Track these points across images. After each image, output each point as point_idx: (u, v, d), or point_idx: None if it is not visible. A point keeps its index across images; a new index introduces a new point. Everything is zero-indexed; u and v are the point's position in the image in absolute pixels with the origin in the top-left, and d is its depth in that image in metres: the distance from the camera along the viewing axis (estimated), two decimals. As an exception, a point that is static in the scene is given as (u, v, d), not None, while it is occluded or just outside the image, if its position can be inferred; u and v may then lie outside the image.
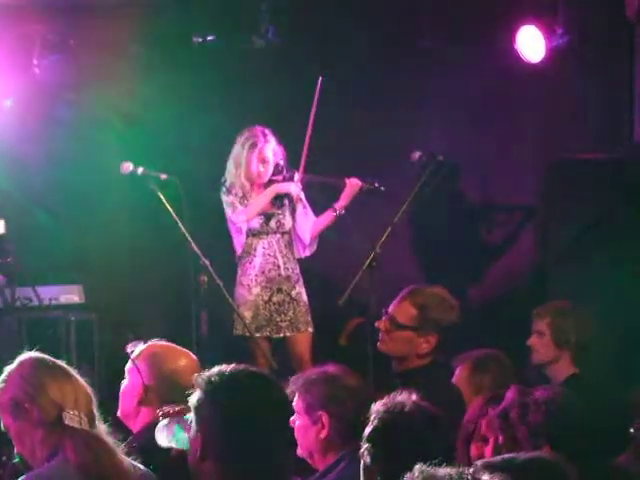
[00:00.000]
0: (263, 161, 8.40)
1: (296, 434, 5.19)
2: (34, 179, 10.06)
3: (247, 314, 8.48)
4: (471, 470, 2.80)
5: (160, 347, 5.48)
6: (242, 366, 4.08)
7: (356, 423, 4.67)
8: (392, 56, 9.26)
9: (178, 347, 5.56)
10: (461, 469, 2.86)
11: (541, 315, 6.84)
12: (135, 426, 5.34)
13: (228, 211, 8.48)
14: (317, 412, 5.14)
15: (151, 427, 4.93)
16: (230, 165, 8.54)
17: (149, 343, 5.45)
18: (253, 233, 8.48)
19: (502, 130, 9.16)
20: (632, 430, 6.04)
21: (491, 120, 9.09)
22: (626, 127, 8.69)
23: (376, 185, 8.45)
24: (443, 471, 2.78)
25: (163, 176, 8.48)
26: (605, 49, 8.58)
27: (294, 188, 8.50)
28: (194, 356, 5.60)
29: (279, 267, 8.50)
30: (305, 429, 5.19)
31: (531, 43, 8.16)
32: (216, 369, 4.04)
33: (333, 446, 5.10)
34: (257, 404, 3.91)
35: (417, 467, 2.82)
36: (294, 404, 5.18)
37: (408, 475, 2.86)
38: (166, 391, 5.09)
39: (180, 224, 8.50)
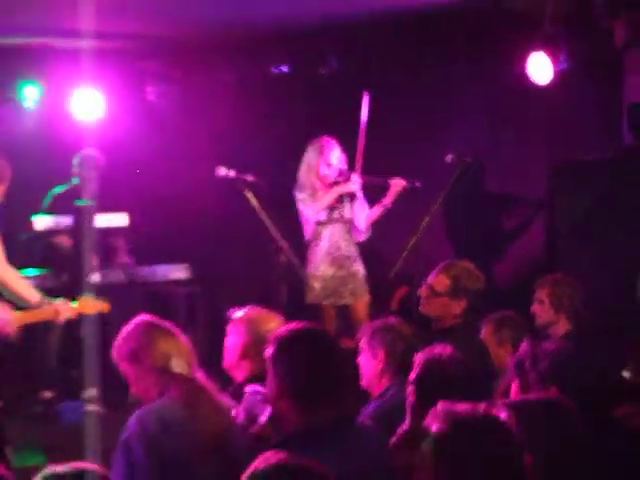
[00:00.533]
0: (329, 165, 8.65)
1: (361, 368, 5.67)
2: (149, 181, 10.27)
3: (316, 286, 8.77)
4: (484, 406, 3.27)
5: (256, 312, 5.79)
6: (305, 324, 4.61)
7: (404, 361, 5.21)
8: (429, 75, 9.51)
9: (269, 312, 5.92)
10: (477, 405, 3.30)
11: (541, 286, 6.88)
12: (238, 376, 5.65)
13: (300, 205, 8.74)
14: (376, 350, 5.55)
15: (251, 378, 5.47)
16: (303, 168, 8.79)
17: (247, 309, 5.80)
18: (320, 223, 8.73)
19: (517, 137, 9.36)
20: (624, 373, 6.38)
21: (508, 129, 9.35)
22: (617, 133, 8.89)
23: (416, 184, 8.66)
24: (462, 406, 3.24)
25: (250, 178, 8.59)
26: (599, 70, 8.77)
27: (352, 187, 8.69)
28: (281, 319, 5.79)
29: (341, 249, 8.79)
30: (367, 363, 5.61)
31: (540, 67, 8.32)
32: (285, 327, 4.63)
33: (386, 377, 5.52)
34: (315, 351, 4.38)
35: (440, 402, 3.31)
36: (361, 345, 5.74)
37: (432, 409, 3.32)
38: (261, 348, 4.97)
39: (264, 218, 8.61)
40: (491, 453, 3.20)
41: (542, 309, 6.77)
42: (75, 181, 9.92)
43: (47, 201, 9.94)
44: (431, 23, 8.64)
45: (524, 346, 5.12)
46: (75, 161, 9.87)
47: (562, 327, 6.73)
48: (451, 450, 3.19)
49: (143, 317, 5.06)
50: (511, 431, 3.25)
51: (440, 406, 3.31)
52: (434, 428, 3.22)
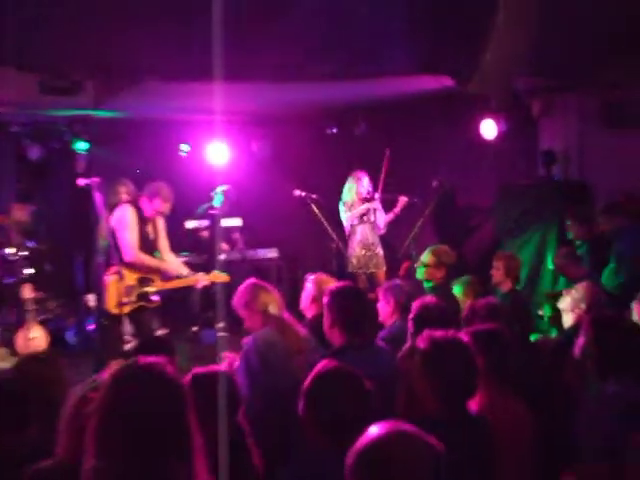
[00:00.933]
0: (362, 188, 8.69)
1: (379, 310, 5.51)
2: (254, 199, 10.26)
3: (354, 261, 8.71)
4: (452, 333, 3.45)
5: (319, 276, 5.89)
6: (346, 284, 4.85)
7: (405, 306, 5.14)
8: (421, 133, 9.44)
9: (327, 276, 5.99)
10: (449, 332, 3.42)
11: (498, 258, 6.70)
12: (309, 314, 5.69)
13: (342, 214, 8.79)
14: (389, 299, 5.49)
15: (316, 316, 5.38)
16: (345, 190, 8.77)
17: (314, 275, 5.92)
18: (355, 224, 8.73)
19: (475, 170, 9.29)
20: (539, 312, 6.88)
21: (470, 165, 9.24)
22: (534, 168, 9.04)
23: (414, 200, 8.71)
24: (439, 333, 3.36)
25: (313, 196, 8.64)
26: (524, 130, 8.93)
27: (376, 203, 8.79)
28: (334, 280, 5.80)
29: (368, 239, 8.71)
30: (383, 307, 5.53)
31: (489, 129, 8.41)
32: (335, 285, 4.79)
33: (394, 316, 5.47)
34: (352, 299, 4.42)
35: (426, 330, 3.44)
36: (380, 296, 5.69)
37: (421, 335, 3.46)
38: (322, 297, 4.92)
39: (323, 220, 8.78)
40: (457, 359, 3.26)
41: (498, 273, 6.59)
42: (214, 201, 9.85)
43: (198, 211, 10.01)
44: (422, 102, 8.61)
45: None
46: (217, 190, 9.78)
47: (507, 285, 6.55)
48: (431, 360, 3.28)
49: (251, 280, 5.12)
50: (469, 347, 3.36)
51: (425, 333, 3.43)
52: (421, 346, 3.35)
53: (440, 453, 2.08)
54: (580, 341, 3.80)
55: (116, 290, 6.70)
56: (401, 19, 4.59)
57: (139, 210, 6.91)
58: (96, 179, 6.79)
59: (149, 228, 7.04)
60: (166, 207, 6.97)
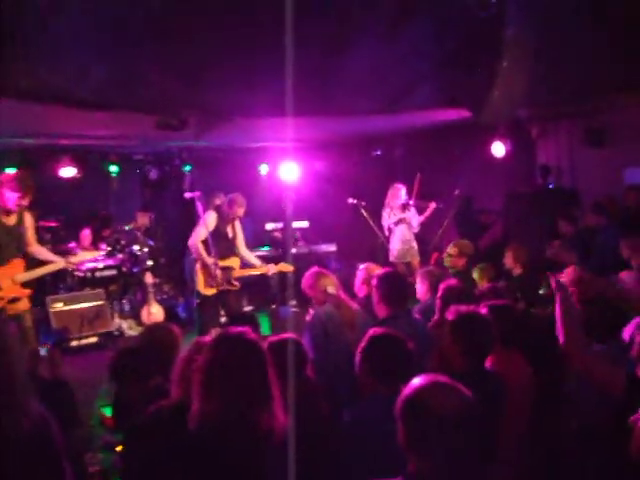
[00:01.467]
0: (400, 198, 8.63)
1: (417, 290, 5.48)
2: (317, 207, 10.26)
3: (394, 253, 8.63)
4: (473, 307, 3.49)
5: (368, 265, 5.59)
6: (389, 270, 4.72)
7: (436, 287, 4.94)
8: (445, 154, 9.30)
9: (374, 265, 5.71)
10: (470, 307, 3.46)
11: (508, 248, 6.64)
12: (360, 294, 5.42)
13: (385, 216, 8.73)
14: (424, 281, 5.38)
15: (367, 295, 5.18)
16: (387, 198, 8.69)
17: (365, 264, 5.67)
18: (394, 223, 8.64)
19: (488, 181, 9.15)
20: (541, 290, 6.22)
21: (483, 177, 9.05)
22: (533, 178, 8.94)
23: (441, 206, 8.65)
24: (463, 307, 3.38)
25: (363, 203, 8.60)
26: (526, 149, 8.79)
27: (411, 209, 8.67)
28: (379, 268, 5.46)
29: (405, 236, 8.62)
30: (419, 287, 5.44)
31: (498, 148, 8.24)
32: (381, 271, 4.68)
33: (427, 294, 5.31)
34: (395, 280, 4.38)
35: (452, 306, 3.47)
36: (417, 279, 5.59)
37: (449, 309, 3.47)
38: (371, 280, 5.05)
39: (370, 221, 8.66)
40: (478, 327, 3.26)
41: (508, 261, 6.51)
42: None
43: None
44: (446, 129, 8.49)
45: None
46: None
47: (517, 270, 6.43)
48: (458, 328, 3.28)
49: (314, 268, 5.08)
50: (487, 318, 3.39)
51: (452, 307, 3.45)
52: (450, 317, 3.36)
53: (471, 400, 2.05)
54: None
55: (205, 275, 6.76)
56: (429, 65, 4.59)
57: (221, 215, 6.92)
58: (198, 193, 6.93)
59: (228, 228, 7.01)
60: (241, 211, 6.92)
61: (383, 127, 8.59)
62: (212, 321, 6.73)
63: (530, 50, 4.14)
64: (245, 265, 7.19)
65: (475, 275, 6.28)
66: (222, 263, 6.85)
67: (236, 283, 7.03)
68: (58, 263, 5.83)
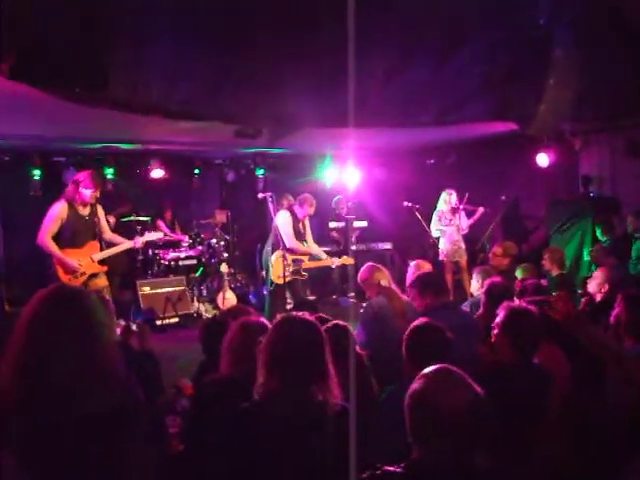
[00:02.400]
0: (451, 202, 8.52)
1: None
2: (375, 208, 9.92)
3: (444, 252, 8.51)
4: (519, 303, 3.45)
5: (419, 262, 5.57)
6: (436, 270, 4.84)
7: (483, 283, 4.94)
8: (494, 164, 9.04)
9: (425, 262, 5.70)
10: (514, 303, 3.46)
11: (545, 251, 6.49)
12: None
13: (435, 219, 8.61)
14: (479, 276, 5.43)
15: None
16: (439, 202, 8.63)
17: (415, 261, 5.63)
18: (444, 226, 8.54)
19: (532, 189, 8.97)
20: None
21: (529, 185, 8.92)
22: (576, 187, 8.65)
23: (488, 210, 8.54)
24: (512, 303, 3.34)
25: (417, 206, 8.46)
26: (569, 159, 8.47)
27: (461, 213, 8.56)
28: (429, 265, 5.67)
29: (454, 237, 8.51)
30: (474, 285, 5.50)
31: (542, 160, 8.10)
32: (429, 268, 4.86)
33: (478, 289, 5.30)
34: (439, 277, 4.53)
35: (505, 302, 3.36)
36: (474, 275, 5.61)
37: (501, 305, 3.34)
38: None
39: (424, 223, 8.51)
40: (528, 322, 3.13)
41: (546, 263, 6.30)
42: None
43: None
44: (495, 140, 8.33)
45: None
46: (334, 199, 9.93)
47: (555, 271, 6.24)
48: (509, 322, 3.16)
49: (370, 263, 5.00)
50: (536, 314, 3.18)
51: (505, 303, 3.34)
52: (501, 311, 3.23)
53: (480, 396, 1.91)
54: (615, 311, 3.57)
55: (279, 267, 6.87)
56: (480, 81, 4.52)
57: (293, 214, 7.09)
58: (269, 193, 7.03)
59: (300, 225, 7.21)
60: (311, 210, 7.16)
61: (436, 138, 8.50)
62: (280, 307, 6.83)
63: (575, 68, 4.04)
64: (313, 258, 7.35)
65: (518, 273, 6.07)
66: (294, 256, 7.05)
67: (304, 273, 7.20)
68: (127, 244, 6.34)
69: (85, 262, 5.90)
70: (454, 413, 1.85)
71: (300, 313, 2.49)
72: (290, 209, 7.16)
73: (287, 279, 6.88)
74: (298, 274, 7.14)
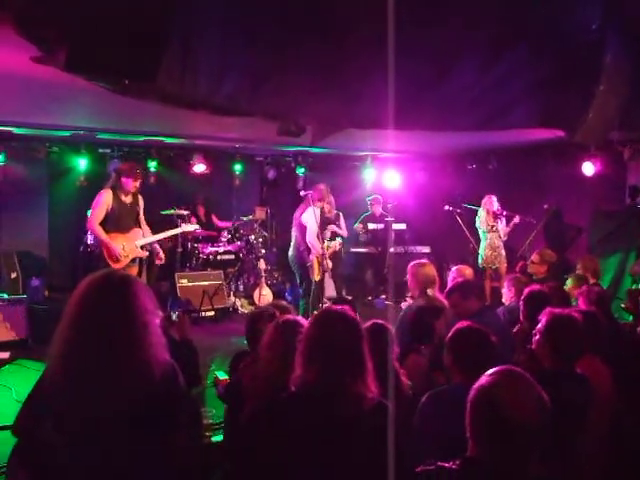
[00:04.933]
0: (493, 207, 8.42)
1: (505, 294, 5.30)
2: (414, 210, 10.10)
3: (484, 258, 8.46)
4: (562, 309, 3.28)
5: (460, 266, 5.51)
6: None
7: (521, 291, 4.67)
8: (537, 172, 8.82)
9: (465, 267, 5.64)
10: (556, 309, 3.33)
11: (580, 260, 6.38)
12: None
13: (477, 224, 8.55)
14: (510, 287, 5.25)
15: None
16: (481, 208, 8.54)
17: (457, 266, 5.62)
18: (485, 231, 8.46)
19: (577, 199, 8.71)
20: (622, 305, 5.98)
21: (573, 195, 8.69)
22: (623, 198, 8.41)
23: (526, 219, 8.39)
24: (555, 310, 3.20)
25: (458, 209, 8.74)
26: (616, 170, 8.22)
27: (503, 220, 8.50)
28: (470, 271, 5.61)
29: (495, 243, 8.41)
30: (506, 292, 5.28)
31: (588, 169, 7.97)
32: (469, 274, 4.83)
33: (514, 298, 5.12)
34: (477, 283, 4.45)
35: (548, 308, 3.24)
36: (505, 284, 5.42)
37: (543, 311, 3.28)
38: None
39: (464, 228, 8.74)
40: (571, 330, 3.07)
41: (579, 271, 6.11)
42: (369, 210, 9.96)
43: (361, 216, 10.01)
44: (539, 146, 8.20)
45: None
46: (369, 198, 9.94)
47: (591, 280, 5.98)
48: (552, 328, 3.09)
49: (414, 263, 4.94)
50: (580, 321, 3.14)
51: (547, 309, 3.26)
52: (544, 318, 3.16)
53: (545, 401, 1.86)
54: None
55: (318, 265, 6.98)
56: (526, 87, 4.43)
57: (322, 210, 7.32)
58: (310, 191, 7.15)
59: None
60: (320, 204, 7.27)
61: (478, 143, 8.40)
62: (317, 303, 6.98)
63: (627, 74, 3.93)
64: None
65: (569, 283, 5.88)
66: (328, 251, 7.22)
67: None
68: (170, 232, 6.96)
69: (129, 247, 6.20)
70: (520, 416, 1.81)
71: (339, 307, 2.48)
72: (311, 205, 7.18)
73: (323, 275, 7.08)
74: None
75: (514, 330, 4.40)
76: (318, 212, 7.02)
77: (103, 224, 6.11)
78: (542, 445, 1.85)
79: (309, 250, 7.18)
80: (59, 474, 1.92)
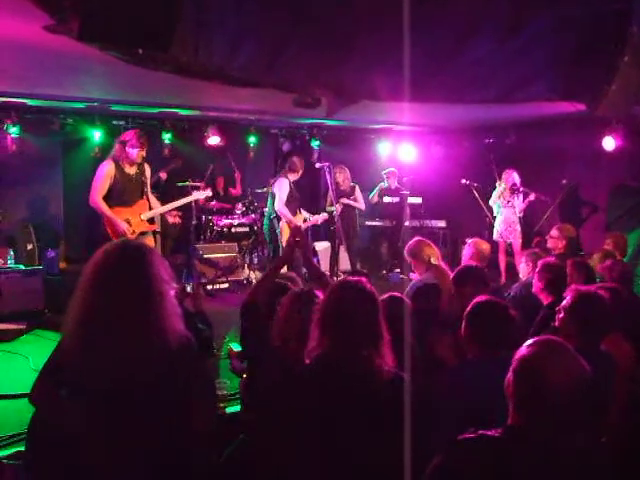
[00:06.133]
0: (511, 182, 8.39)
1: (521, 269, 5.35)
2: (431, 184, 10.09)
3: (497, 232, 8.50)
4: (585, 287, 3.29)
5: (476, 240, 5.38)
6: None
7: (536, 264, 4.67)
8: (556, 145, 8.63)
9: (482, 240, 5.54)
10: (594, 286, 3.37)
11: (609, 236, 6.43)
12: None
13: (493, 197, 8.50)
14: (528, 261, 5.24)
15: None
16: (500, 181, 8.50)
17: (473, 239, 5.48)
18: (502, 206, 8.46)
19: (595, 173, 8.67)
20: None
21: (591, 169, 8.64)
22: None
23: (542, 197, 8.32)
24: (579, 286, 3.29)
25: (475, 184, 8.60)
26: (634, 144, 8.04)
27: (520, 196, 8.44)
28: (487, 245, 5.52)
29: (510, 218, 8.44)
30: (523, 267, 5.31)
31: (608, 143, 7.84)
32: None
33: (531, 273, 4.93)
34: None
35: (573, 285, 3.39)
36: (522, 259, 5.39)
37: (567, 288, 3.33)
38: (480, 255, 5.09)
39: (481, 201, 8.57)
40: (597, 307, 3.03)
41: (608, 247, 6.05)
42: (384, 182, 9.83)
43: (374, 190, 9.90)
44: (558, 120, 8.06)
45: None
46: (384, 172, 9.84)
47: (619, 255, 5.93)
48: (576, 307, 3.04)
49: (418, 238, 4.83)
50: (606, 299, 3.10)
51: (573, 286, 3.29)
52: (569, 296, 3.11)
53: (587, 372, 1.87)
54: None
55: (289, 231, 7.12)
56: (547, 58, 4.33)
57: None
58: (327, 163, 7.18)
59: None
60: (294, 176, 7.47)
61: (496, 117, 8.23)
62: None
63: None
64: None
65: (596, 258, 5.79)
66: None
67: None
68: (177, 202, 6.64)
69: (135, 220, 6.01)
70: (564, 385, 1.81)
71: (355, 278, 2.47)
72: (286, 175, 7.41)
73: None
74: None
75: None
76: (287, 184, 7.28)
77: (106, 199, 5.87)
78: (585, 415, 1.86)
79: (279, 218, 7.33)
80: (75, 442, 1.93)
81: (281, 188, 7.29)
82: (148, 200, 6.21)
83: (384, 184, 9.87)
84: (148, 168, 6.27)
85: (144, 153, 6.04)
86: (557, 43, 4.10)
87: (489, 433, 1.86)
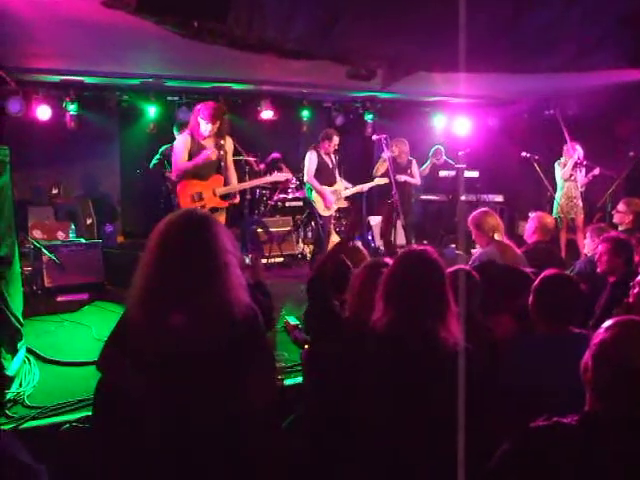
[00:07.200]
0: (574, 155, 8.08)
1: (588, 244, 5.21)
2: (487, 157, 9.79)
3: (560, 208, 8.21)
4: None
5: (539, 213, 5.43)
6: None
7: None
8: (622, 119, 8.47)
9: (546, 214, 5.63)
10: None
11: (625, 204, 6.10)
12: (530, 240, 5.22)
13: (557, 172, 8.28)
14: (593, 237, 5.11)
15: (536, 243, 5.08)
16: (564, 154, 8.26)
17: (535, 212, 5.51)
18: (564, 180, 8.17)
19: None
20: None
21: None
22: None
23: (606, 172, 8.02)
24: None
25: (536, 157, 8.02)
26: None
27: (582, 170, 8.18)
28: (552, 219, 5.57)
29: (572, 193, 8.17)
30: (589, 242, 5.19)
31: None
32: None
33: (597, 246, 4.73)
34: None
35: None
36: (587, 233, 5.30)
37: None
38: (544, 228, 5.09)
39: (542, 175, 8.05)
40: None
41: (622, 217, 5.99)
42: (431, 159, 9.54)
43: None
44: (624, 88, 7.70)
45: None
46: (432, 149, 9.60)
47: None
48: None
49: (483, 208, 4.79)
50: None
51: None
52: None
53: None
54: None
55: (322, 200, 7.50)
56: (613, 23, 4.20)
57: (318, 152, 7.63)
58: (384, 135, 7.17)
59: (328, 159, 7.75)
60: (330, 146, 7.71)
61: (558, 86, 7.94)
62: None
63: None
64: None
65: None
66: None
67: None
68: (247, 183, 6.95)
69: (207, 195, 5.89)
70: None
71: (421, 247, 2.44)
72: (315, 148, 7.64)
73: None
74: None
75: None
76: (315, 156, 7.55)
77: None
78: None
79: (311, 189, 7.57)
80: (139, 407, 1.97)
81: (309, 160, 7.57)
82: (226, 176, 6.03)
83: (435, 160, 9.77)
84: (230, 143, 6.08)
85: (215, 128, 5.80)
86: (625, 6, 3.95)
87: (565, 421, 1.80)
